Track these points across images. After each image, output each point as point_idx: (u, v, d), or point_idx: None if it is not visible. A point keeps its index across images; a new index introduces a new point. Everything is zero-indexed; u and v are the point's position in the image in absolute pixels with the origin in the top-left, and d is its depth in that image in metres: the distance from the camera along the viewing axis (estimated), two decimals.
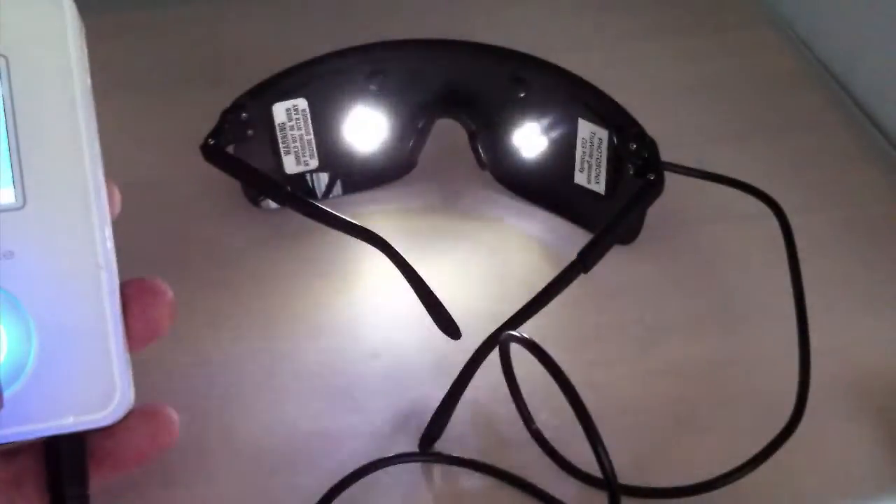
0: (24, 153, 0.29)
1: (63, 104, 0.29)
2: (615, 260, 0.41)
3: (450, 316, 0.40)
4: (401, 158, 0.48)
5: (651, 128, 0.43)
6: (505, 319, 0.38)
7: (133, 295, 0.30)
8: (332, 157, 0.47)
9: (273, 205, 0.46)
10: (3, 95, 0.29)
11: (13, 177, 0.29)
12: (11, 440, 0.29)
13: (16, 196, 0.29)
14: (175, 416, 0.31)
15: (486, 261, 0.46)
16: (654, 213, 0.43)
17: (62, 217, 0.29)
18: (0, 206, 0.29)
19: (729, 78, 0.57)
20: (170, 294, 0.31)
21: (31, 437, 0.29)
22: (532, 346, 0.33)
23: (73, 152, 0.29)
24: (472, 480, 0.38)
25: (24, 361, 0.29)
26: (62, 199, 0.29)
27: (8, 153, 0.29)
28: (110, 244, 0.30)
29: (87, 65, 0.30)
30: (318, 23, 0.60)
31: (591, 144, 0.44)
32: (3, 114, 0.29)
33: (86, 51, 0.30)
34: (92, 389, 0.29)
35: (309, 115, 0.46)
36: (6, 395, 0.28)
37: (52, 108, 0.29)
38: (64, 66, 0.29)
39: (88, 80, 0.30)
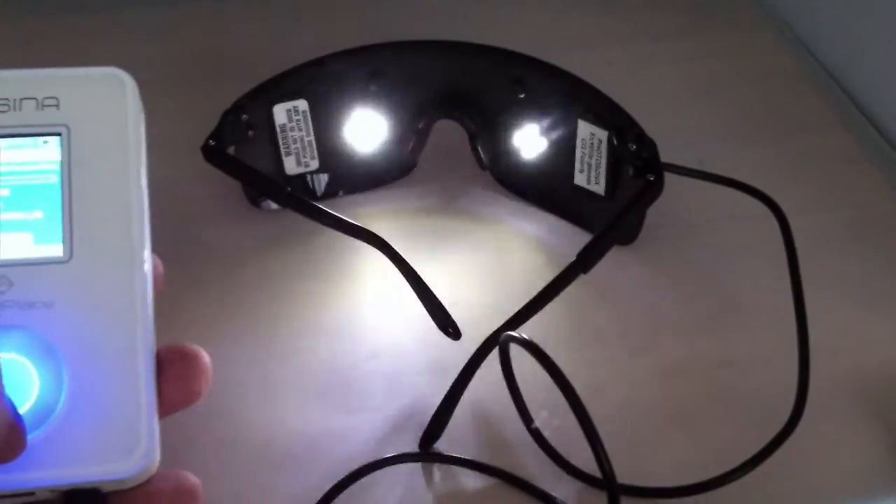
0: (75, 214, 0.31)
1: (116, 175, 0.32)
2: (615, 260, 0.41)
3: (450, 316, 0.40)
4: (401, 159, 0.48)
5: (651, 128, 0.43)
6: (505, 320, 0.38)
7: (170, 360, 0.31)
8: (332, 158, 0.47)
9: (273, 205, 0.46)
10: (61, 161, 0.31)
11: (63, 234, 0.31)
12: (31, 487, 0.28)
13: (63, 251, 0.31)
14: (198, 484, 0.31)
15: (486, 261, 0.46)
16: (654, 213, 0.43)
17: (104, 273, 0.31)
18: (45, 259, 0.30)
19: (729, 78, 0.57)
20: (207, 361, 0.31)
21: (51, 485, 0.29)
22: (531, 347, 0.33)
23: (121, 218, 0.31)
24: (472, 480, 0.38)
25: (53, 407, 0.29)
26: (106, 257, 0.31)
27: (60, 213, 0.31)
28: (149, 306, 0.31)
29: (143, 140, 0.32)
30: (318, 24, 0.60)
31: (591, 145, 0.44)
32: (59, 178, 0.31)
33: (144, 127, 0.32)
34: (116, 443, 0.29)
35: (309, 117, 0.46)
36: (30, 438, 0.28)
37: (105, 177, 0.31)
38: (121, 140, 0.32)
39: (144, 156, 0.32)
